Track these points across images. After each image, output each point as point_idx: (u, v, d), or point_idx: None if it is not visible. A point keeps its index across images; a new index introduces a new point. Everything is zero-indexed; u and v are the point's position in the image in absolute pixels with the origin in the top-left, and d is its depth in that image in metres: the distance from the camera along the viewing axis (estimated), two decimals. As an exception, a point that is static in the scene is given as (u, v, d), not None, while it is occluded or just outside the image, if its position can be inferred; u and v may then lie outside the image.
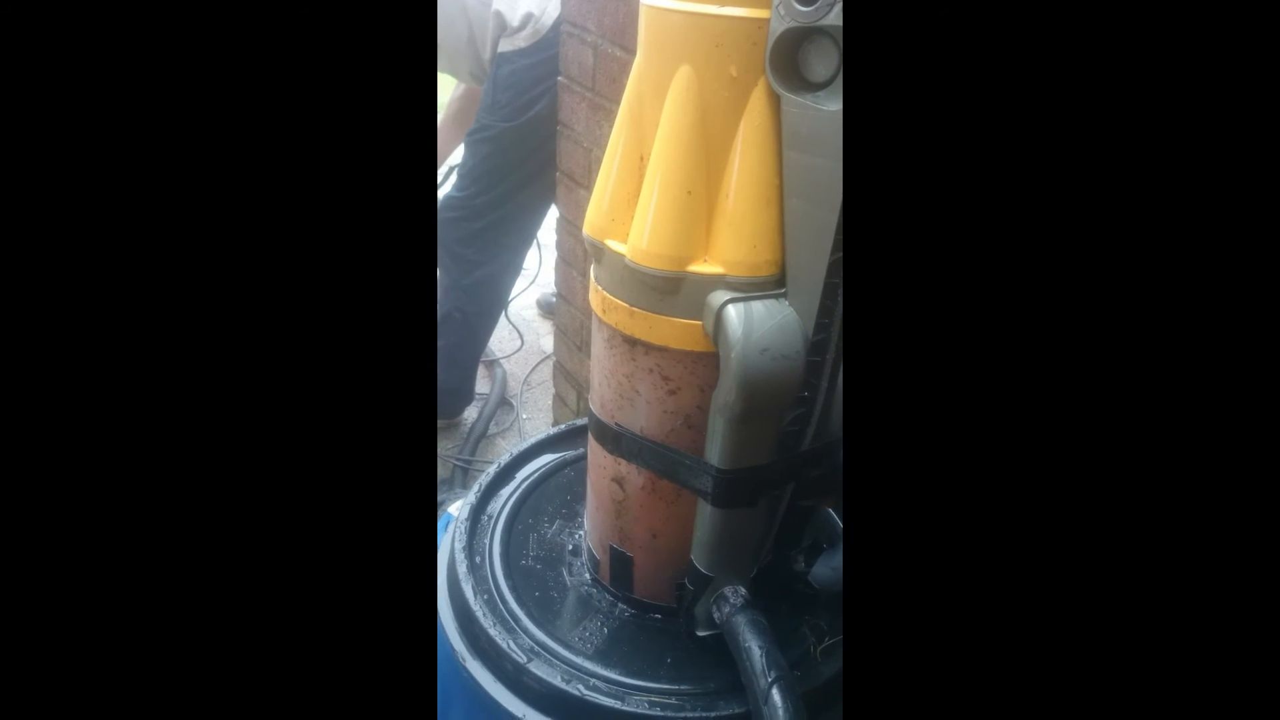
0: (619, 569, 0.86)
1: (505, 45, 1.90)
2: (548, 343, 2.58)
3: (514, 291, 2.29)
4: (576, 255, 1.56)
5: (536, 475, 1.04)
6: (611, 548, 0.85)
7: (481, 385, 2.39)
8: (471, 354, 2.17)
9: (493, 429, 2.25)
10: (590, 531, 0.90)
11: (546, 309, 2.79)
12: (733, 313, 0.66)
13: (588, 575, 0.91)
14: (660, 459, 0.76)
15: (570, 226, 1.56)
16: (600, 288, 0.75)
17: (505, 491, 0.99)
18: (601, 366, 0.79)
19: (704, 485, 0.74)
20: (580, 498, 1.01)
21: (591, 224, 0.73)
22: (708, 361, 0.71)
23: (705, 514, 0.76)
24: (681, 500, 0.79)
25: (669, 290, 0.69)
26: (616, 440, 0.79)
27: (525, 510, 0.99)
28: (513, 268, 2.17)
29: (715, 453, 0.72)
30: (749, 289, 0.67)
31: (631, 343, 0.73)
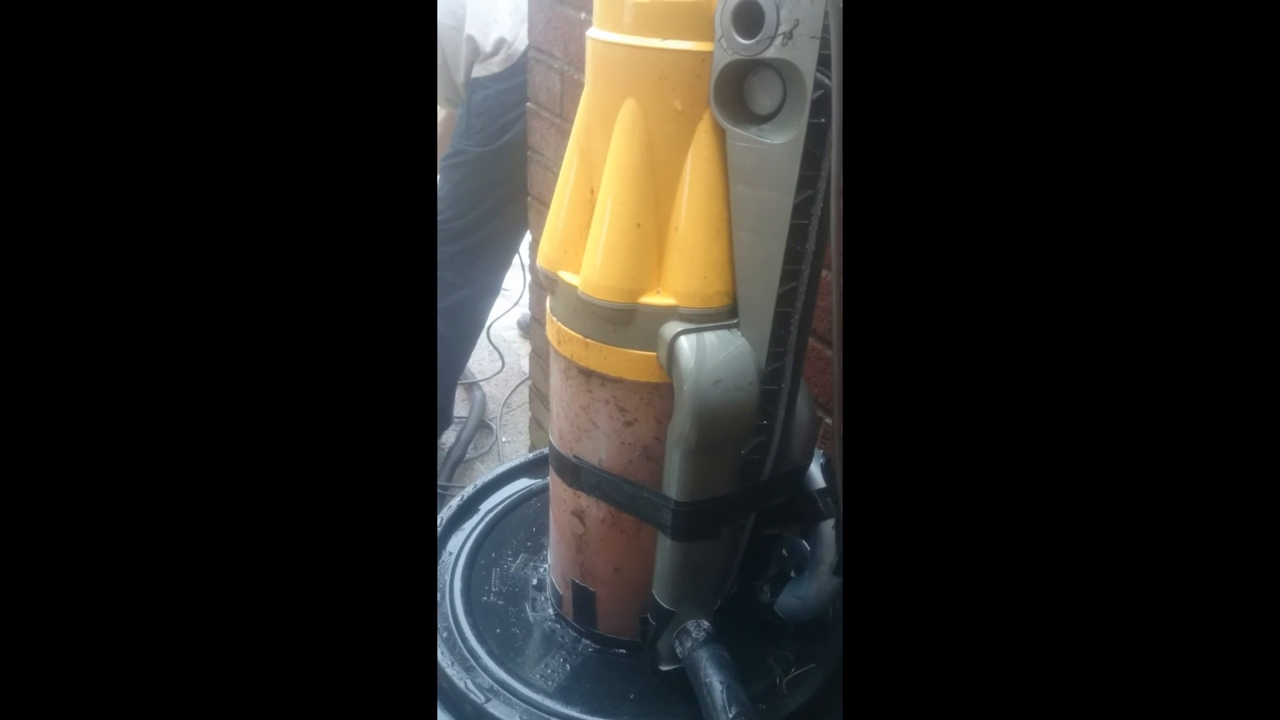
0: (582, 604, 0.84)
1: (479, 70, 1.91)
2: (529, 364, 2.57)
3: (496, 313, 2.28)
4: (549, 280, 1.55)
5: (502, 507, 1.02)
6: (574, 582, 0.84)
7: (461, 408, 2.37)
8: (449, 376, 2.16)
9: (471, 453, 2.23)
10: (553, 566, 0.88)
11: (528, 330, 2.78)
12: (685, 344, 0.65)
13: (551, 611, 0.89)
14: (619, 492, 0.75)
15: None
16: (555, 319, 0.74)
17: (468, 525, 0.98)
18: (559, 398, 0.78)
19: (663, 519, 0.73)
20: (546, 530, 1.00)
21: (545, 255, 0.73)
22: (664, 392, 0.70)
23: (665, 547, 0.75)
24: (643, 533, 0.78)
25: (622, 321, 0.68)
26: (576, 473, 0.78)
27: (489, 544, 0.97)
28: (490, 291, 2.17)
29: (673, 485, 0.71)
30: (701, 320, 0.67)
31: (587, 374, 0.72)
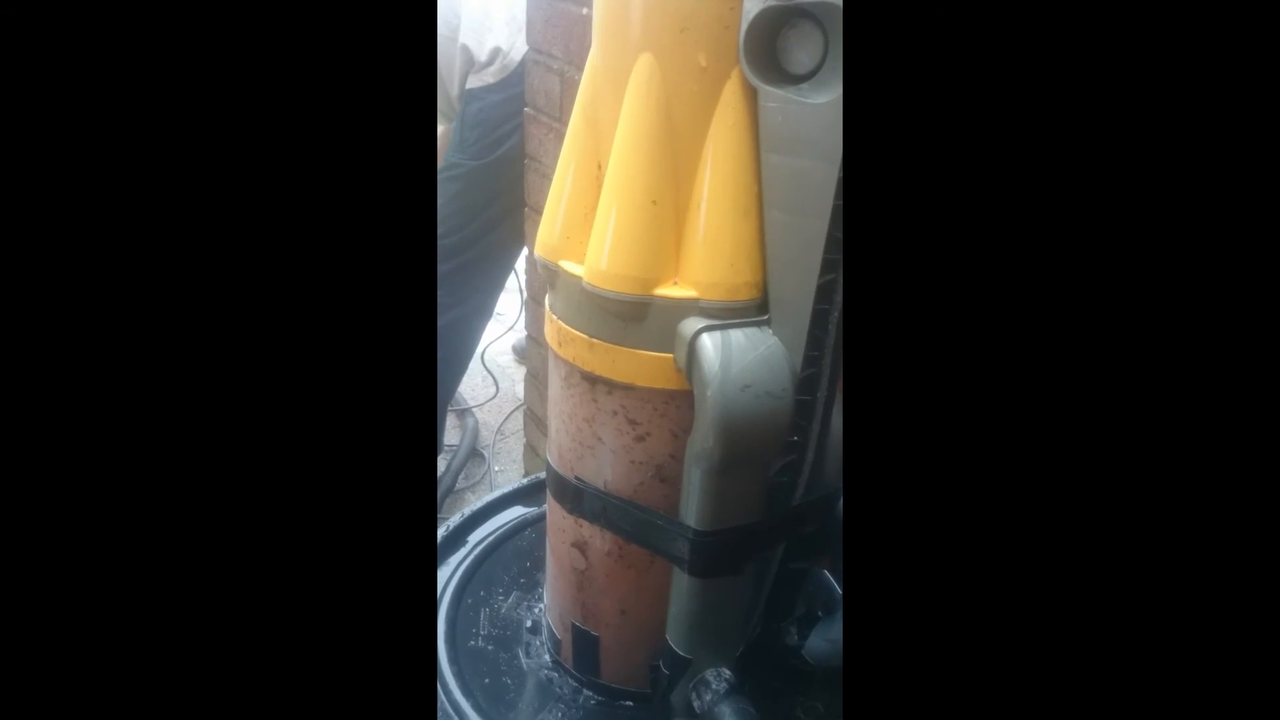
0: (583, 650, 0.73)
1: (473, 81, 1.84)
2: (524, 389, 2.47)
3: (490, 337, 2.19)
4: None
5: (492, 539, 0.92)
6: (574, 625, 0.73)
7: (452, 436, 2.27)
8: (439, 401, 2.05)
9: (462, 483, 2.12)
10: (550, 606, 0.77)
11: (523, 355, 2.68)
12: (708, 343, 0.56)
13: (547, 657, 0.78)
14: (628, 519, 0.65)
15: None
16: (555, 317, 0.64)
17: (454, 559, 0.87)
18: (559, 410, 0.68)
19: (680, 551, 0.63)
20: (542, 564, 0.89)
21: (544, 244, 0.63)
22: (681, 401, 0.60)
23: (682, 585, 0.64)
24: (654, 569, 0.67)
25: (633, 317, 0.58)
26: (577, 497, 0.67)
27: (477, 581, 0.86)
28: (483, 311, 2.08)
29: (692, 511, 0.61)
30: (726, 315, 0.57)
31: (592, 380, 0.62)
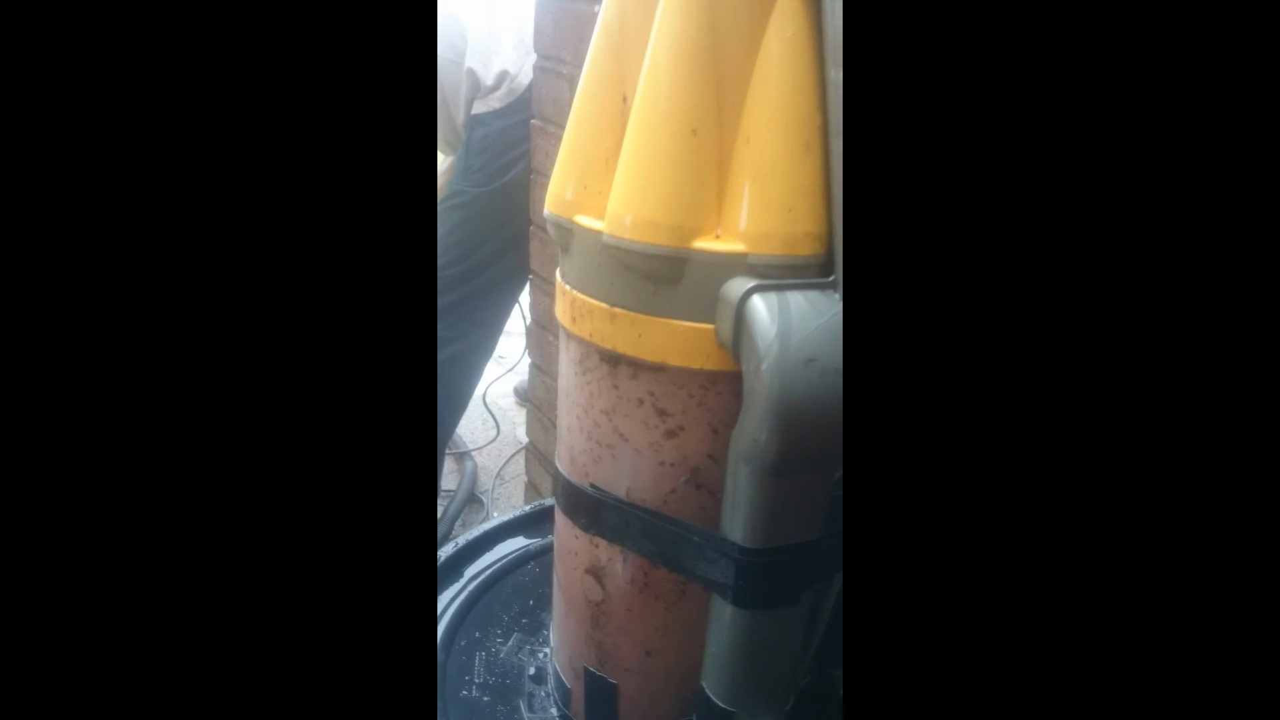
0: (598, 701, 0.60)
1: (479, 107, 1.78)
2: (526, 430, 2.36)
3: (490, 378, 2.09)
4: (552, 315, 1.35)
5: (490, 572, 0.79)
6: (587, 671, 0.60)
7: (449, 480, 2.15)
8: (438, 442, 1.94)
9: (458, 529, 1.99)
10: (558, 648, 0.64)
11: (524, 397, 2.57)
12: (761, 307, 0.45)
13: (554, 710, 0.65)
14: (656, 536, 0.53)
15: (544, 284, 1.37)
16: (568, 287, 0.53)
17: (447, 594, 0.74)
18: (572, 403, 0.56)
19: (722, 575, 0.51)
20: (547, 603, 0.76)
21: (555, 198, 0.53)
22: (723, 386, 0.49)
23: (724, 619, 0.52)
24: (687, 600, 0.55)
25: (666, 278, 0.47)
26: (593, 511, 0.56)
27: (473, 621, 0.74)
28: (484, 347, 1.98)
29: (739, 524, 0.49)
30: (783, 274, 0.46)
31: (613, 361, 0.51)
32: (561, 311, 0.55)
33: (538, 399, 1.48)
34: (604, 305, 0.50)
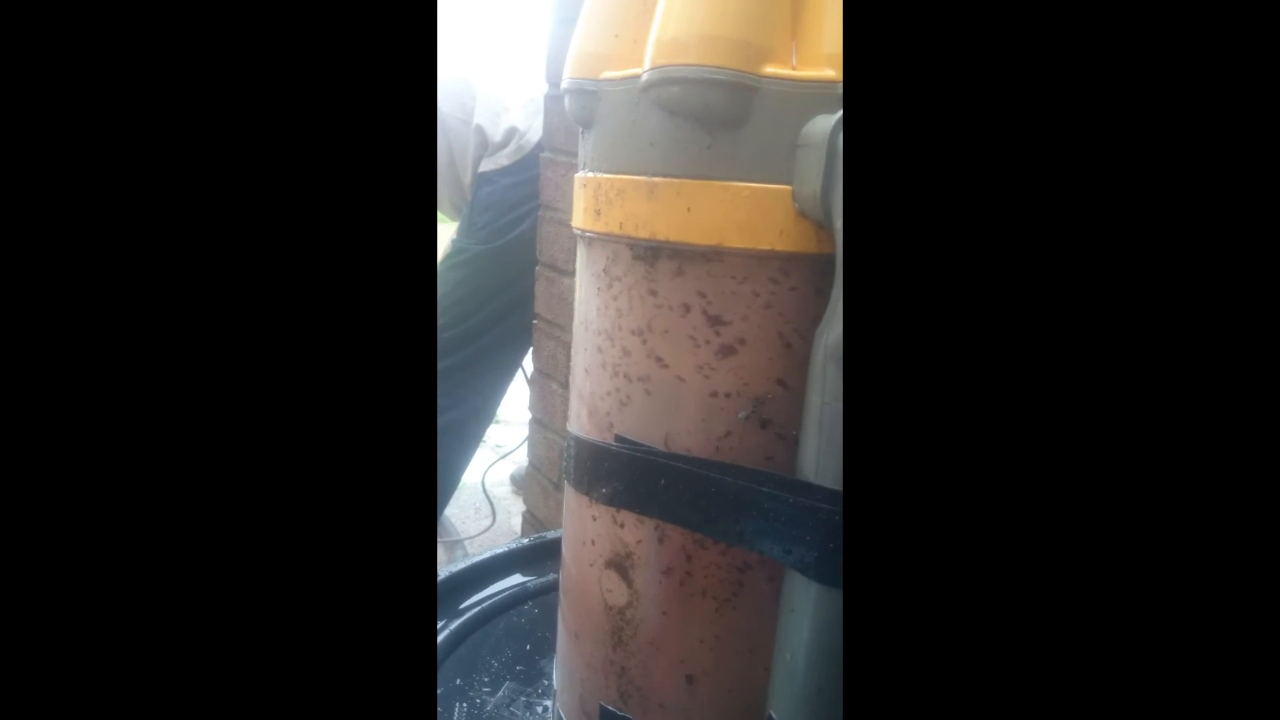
0: (619, 753, 0.44)
1: (486, 165, 1.73)
2: (522, 523, 2.18)
3: (485, 463, 1.94)
4: (557, 362, 1.23)
5: (478, 613, 0.63)
6: (604, 712, 0.44)
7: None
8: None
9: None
10: (564, 687, 0.48)
11: (520, 485, 2.40)
12: (859, 143, 0.33)
13: (557, 775, 0.48)
14: (705, 499, 0.39)
15: (549, 327, 1.25)
16: (590, 174, 0.42)
17: (420, 628, 0.58)
18: (591, 335, 0.43)
19: (803, 542, 0.36)
20: (546, 648, 0.60)
21: (579, 58, 0.42)
22: (801, 276, 0.37)
23: (807, 609, 0.37)
24: (745, 596, 0.40)
25: (728, 119, 0.36)
26: (618, 473, 0.41)
27: (453, 665, 0.57)
28: (482, 416, 1.84)
29: (829, 461, 0.35)
30: (884, 112, 0.35)
31: (651, 256, 0.39)
32: (581, 212, 0.42)
33: (537, 459, 1.33)
34: (641, 178, 0.38)
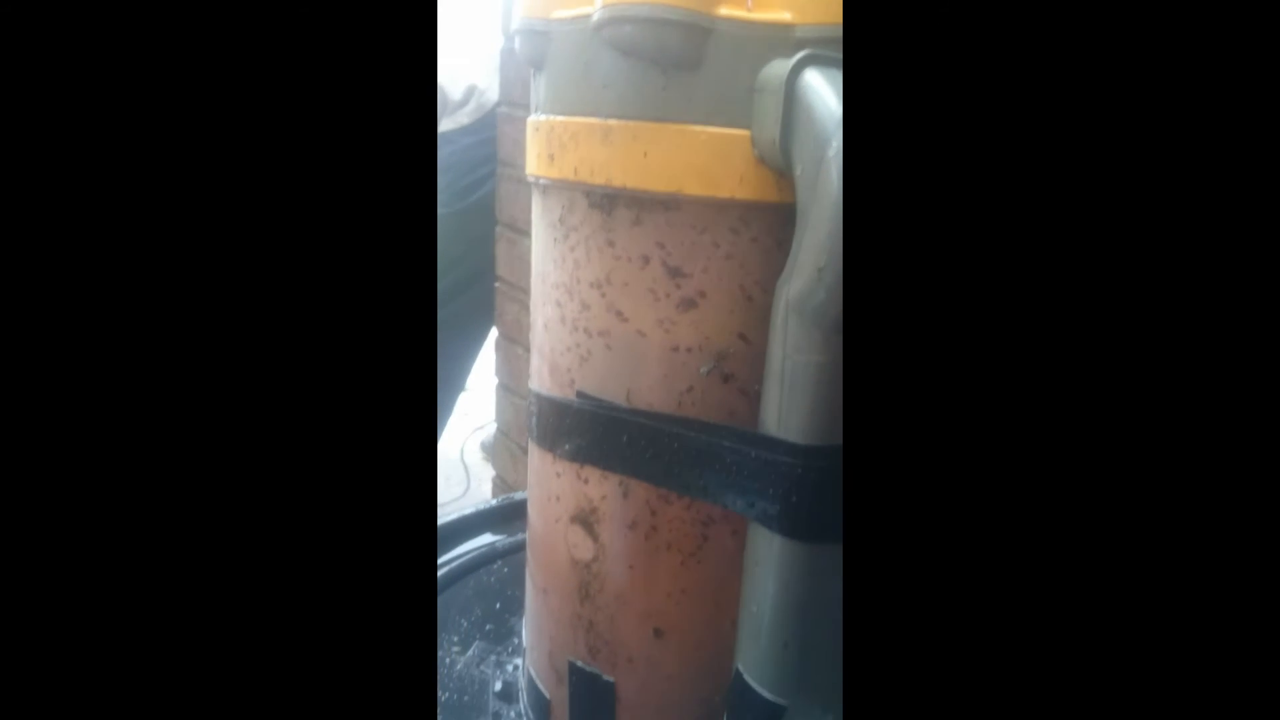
0: (589, 708, 0.44)
1: (446, 124, 1.68)
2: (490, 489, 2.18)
3: (461, 433, 1.93)
4: (521, 326, 1.21)
5: (447, 570, 0.62)
6: (573, 668, 0.44)
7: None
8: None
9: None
10: (534, 645, 0.48)
11: (491, 452, 2.39)
12: (821, 81, 0.32)
13: (528, 731, 0.48)
14: (668, 453, 0.38)
15: (510, 289, 1.23)
16: (544, 116, 0.40)
17: (386, 592, 0.58)
18: (549, 289, 0.42)
19: (767, 495, 0.36)
20: (516, 606, 0.60)
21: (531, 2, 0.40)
22: (762, 225, 0.36)
23: (770, 563, 0.36)
24: (710, 549, 0.40)
25: (682, 60, 0.34)
26: (580, 429, 0.41)
27: (421, 626, 0.57)
28: (451, 385, 1.82)
29: (792, 412, 0.34)
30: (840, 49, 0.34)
31: (608, 204, 0.38)
32: (535, 159, 0.41)
33: (504, 423, 1.32)
34: (595, 120, 0.37)
